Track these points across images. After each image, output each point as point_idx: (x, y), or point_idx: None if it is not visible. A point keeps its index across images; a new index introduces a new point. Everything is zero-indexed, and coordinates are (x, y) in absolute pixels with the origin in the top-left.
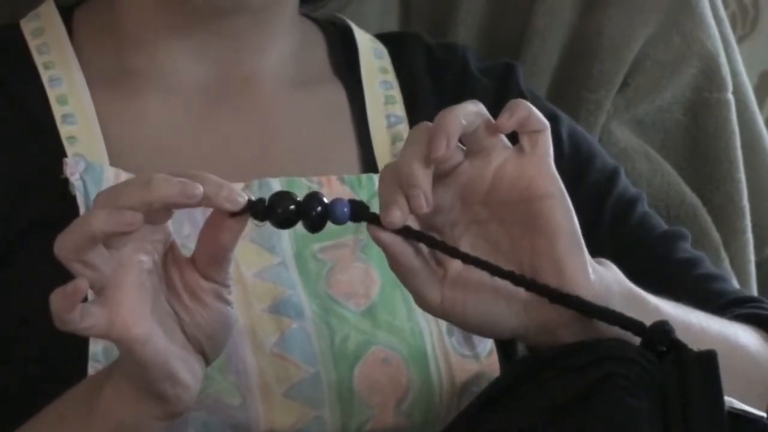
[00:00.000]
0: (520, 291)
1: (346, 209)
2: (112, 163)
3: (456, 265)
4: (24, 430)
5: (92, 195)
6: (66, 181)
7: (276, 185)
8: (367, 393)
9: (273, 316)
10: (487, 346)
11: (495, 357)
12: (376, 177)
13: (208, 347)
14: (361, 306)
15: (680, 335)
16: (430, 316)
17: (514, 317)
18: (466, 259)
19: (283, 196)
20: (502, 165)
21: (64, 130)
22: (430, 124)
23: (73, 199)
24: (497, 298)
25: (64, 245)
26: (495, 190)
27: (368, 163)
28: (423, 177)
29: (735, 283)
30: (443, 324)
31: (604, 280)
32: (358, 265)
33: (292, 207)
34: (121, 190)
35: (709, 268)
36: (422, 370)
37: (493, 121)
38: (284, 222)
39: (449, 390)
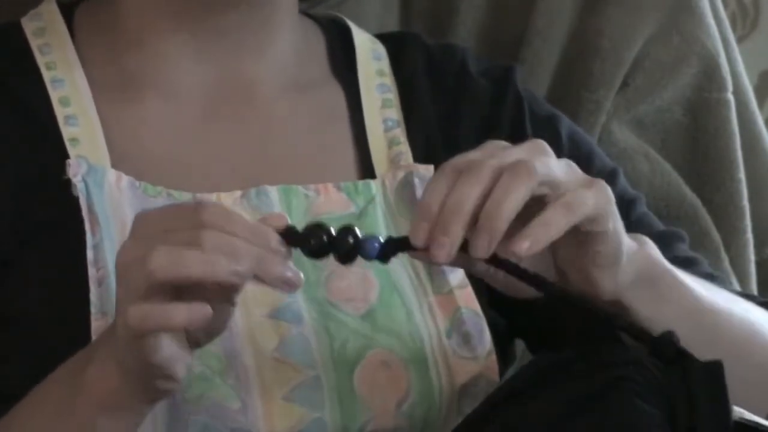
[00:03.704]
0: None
1: (377, 244)
2: (114, 166)
3: None
4: (9, 418)
5: (94, 197)
6: (68, 183)
7: (273, 193)
8: (368, 395)
9: (272, 322)
10: (486, 347)
11: (494, 358)
12: (372, 183)
13: (203, 341)
14: (360, 310)
15: (704, 321)
16: (429, 319)
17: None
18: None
19: (317, 228)
20: None
21: (66, 132)
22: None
23: (76, 200)
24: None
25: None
26: None
27: (365, 169)
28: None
29: (735, 285)
30: (442, 326)
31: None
32: (356, 270)
33: (325, 239)
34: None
35: (707, 269)
36: (422, 373)
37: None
38: (316, 252)
39: (449, 391)
